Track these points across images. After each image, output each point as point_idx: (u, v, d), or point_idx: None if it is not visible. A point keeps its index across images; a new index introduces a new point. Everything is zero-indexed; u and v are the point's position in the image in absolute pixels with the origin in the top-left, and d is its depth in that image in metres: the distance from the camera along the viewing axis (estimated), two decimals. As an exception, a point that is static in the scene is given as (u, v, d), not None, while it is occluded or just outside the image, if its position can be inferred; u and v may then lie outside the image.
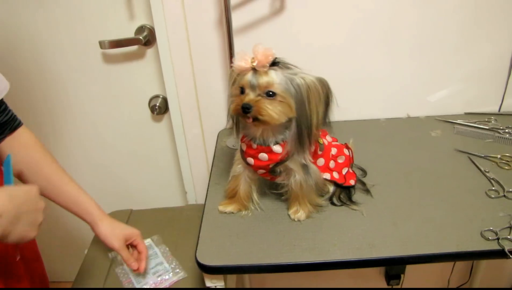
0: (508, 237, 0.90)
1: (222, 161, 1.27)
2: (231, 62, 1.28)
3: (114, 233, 1.06)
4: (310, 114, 0.89)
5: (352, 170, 1.10)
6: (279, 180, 1.01)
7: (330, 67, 1.36)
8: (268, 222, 1.02)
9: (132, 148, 1.59)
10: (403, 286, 1.73)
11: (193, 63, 1.35)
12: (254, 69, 0.87)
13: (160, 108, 1.47)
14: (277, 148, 0.94)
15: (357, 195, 1.08)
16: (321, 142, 1.04)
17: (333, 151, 1.07)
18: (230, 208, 1.06)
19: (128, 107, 1.51)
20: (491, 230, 0.93)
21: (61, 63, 1.44)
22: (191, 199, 1.59)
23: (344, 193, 1.07)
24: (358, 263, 0.90)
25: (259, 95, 0.88)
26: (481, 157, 1.19)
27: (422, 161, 1.20)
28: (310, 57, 1.33)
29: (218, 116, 1.43)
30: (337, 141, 1.12)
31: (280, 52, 1.32)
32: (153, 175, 1.65)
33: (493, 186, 1.08)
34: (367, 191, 1.09)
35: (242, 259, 0.92)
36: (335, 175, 1.04)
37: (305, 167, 0.96)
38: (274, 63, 0.88)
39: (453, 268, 1.71)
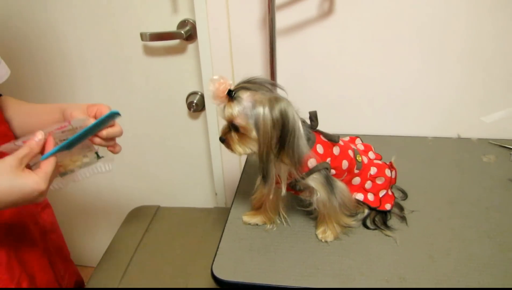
0: None
1: (254, 167, 1.22)
2: (272, 65, 1.23)
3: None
4: (261, 143, 0.82)
5: (391, 192, 1.02)
6: (303, 195, 0.94)
7: (377, 77, 1.27)
8: (293, 240, 0.95)
9: (165, 143, 1.57)
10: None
11: (233, 62, 1.31)
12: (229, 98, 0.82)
13: (197, 105, 1.44)
14: None
15: (393, 220, 0.99)
16: (359, 160, 0.96)
17: (373, 170, 0.99)
18: (255, 219, 1.01)
19: (165, 101, 1.49)
20: (543, 278, 0.82)
21: (102, 53, 1.43)
22: (220, 201, 1.55)
23: (379, 216, 0.98)
24: (384, 298, 0.83)
25: (229, 127, 0.86)
26: (538, 191, 1.08)
27: (470, 188, 1.10)
28: (355, 65, 1.26)
29: (255, 119, 1.37)
30: (380, 159, 1.03)
31: (323, 57, 1.27)
32: (184, 173, 1.62)
33: (549, 226, 0.96)
34: (403, 218, 1.00)
35: (260, 278, 0.86)
36: (370, 197, 0.96)
37: (328, 185, 0.89)
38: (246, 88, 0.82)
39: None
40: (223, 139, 0.87)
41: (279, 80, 1.28)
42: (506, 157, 1.22)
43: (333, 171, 0.91)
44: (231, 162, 1.47)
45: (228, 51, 1.29)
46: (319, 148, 0.89)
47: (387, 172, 1.00)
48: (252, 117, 0.80)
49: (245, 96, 0.81)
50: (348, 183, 0.95)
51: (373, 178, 0.98)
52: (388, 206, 0.97)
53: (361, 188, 0.97)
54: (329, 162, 0.90)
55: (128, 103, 1.51)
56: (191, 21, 1.33)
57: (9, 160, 0.70)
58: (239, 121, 0.82)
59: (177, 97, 1.47)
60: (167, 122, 1.52)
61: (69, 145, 0.77)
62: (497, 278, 0.83)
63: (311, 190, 0.91)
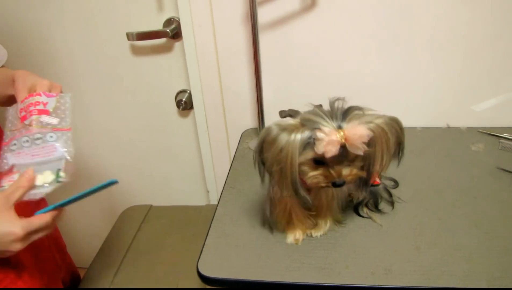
0: (550, 276, 0.79)
1: (242, 164, 1.21)
2: (255, 59, 1.22)
3: None
4: (373, 161, 0.79)
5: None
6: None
7: (364, 69, 1.26)
8: (279, 235, 0.95)
9: (156, 143, 1.56)
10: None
11: (219, 58, 1.30)
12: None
13: (186, 103, 1.43)
14: None
15: (382, 205, 1.00)
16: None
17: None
18: (298, 234, 0.95)
19: (154, 101, 1.48)
20: (530, 266, 0.82)
21: (91, 54, 1.43)
22: (213, 198, 1.55)
23: (372, 201, 0.98)
24: (369, 291, 0.82)
25: (345, 165, 0.78)
26: (527, 178, 1.07)
27: (458, 178, 1.09)
28: (342, 58, 1.25)
29: (243, 115, 1.37)
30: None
31: (310, 51, 1.26)
32: (176, 171, 1.62)
33: (538, 214, 0.95)
34: (392, 203, 1.00)
35: (245, 273, 0.86)
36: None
37: None
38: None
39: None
40: (343, 182, 0.78)
41: (264, 75, 1.28)
42: (495, 145, 1.21)
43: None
44: (222, 160, 1.47)
45: (213, 47, 1.29)
46: None
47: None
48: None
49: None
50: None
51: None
52: (378, 180, 0.98)
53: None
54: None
55: (118, 103, 1.51)
56: (176, 19, 1.33)
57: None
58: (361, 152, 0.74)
59: (166, 96, 1.46)
60: (157, 121, 1.52)
61: (65, 204, 0.79)
62: (483, 266, 0.83)
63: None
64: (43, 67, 1.45)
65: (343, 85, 1.30)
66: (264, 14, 1.20)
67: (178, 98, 1.45)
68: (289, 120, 0.80)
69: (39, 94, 0.85)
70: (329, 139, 0.72)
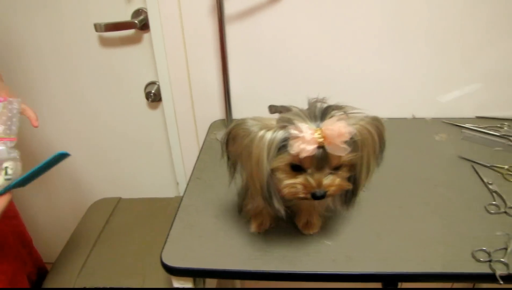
0: (502, 259, 0.81)
1: (209, 155, 1.22)
2: (222, 51, 1.22)
3: None
4: (360, 168, 0.74)
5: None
6: None
7: (331, 60, 1.28)
8: (243, 225, 0.95)
9: (125, 135, 1.55)
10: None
11: (187, 50, 1.30)
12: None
13: (155, 95, 1.43)
14: None
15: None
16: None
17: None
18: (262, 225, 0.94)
19: (123, 92, 1.47)
20: (484, 251, 0.84)
21: (58, 46, 1.40)
22: (182, 190, 1.54)
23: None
24: (329, 277, 0.83)
25: (326, 173, 0.70)
26: (486, 166, 1.09)
27: (420, 167, 1.11)
28: (309, 49, 1.26)
29: (211, 107, 1.37)
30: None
31: (277, 43, 1.26)
32: (146, 164, 1.61)
33: (495, 201, 0.98)
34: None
35: (208, 263, 0.86)
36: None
37: None
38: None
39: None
40: (324, 193, 0.70)
41: (232, 67, 1.28)
42: (457, 135, 1.24)
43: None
44: (191, 151, 1.46)
45: (181, 39, 1.28)
46: None
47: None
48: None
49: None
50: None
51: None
52: None
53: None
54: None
55: (86, 95, 1.49)
56: (144, 10, 1.31)
57: None
58: (346, 157, 0.69)
59: (135, 88, 1.45)
60: (126, 113, 1.51)
61: (21, 183, 0.77)
62: (440, 251, 0.85)
63: None
64: (6, 60, 1.42)
65: (310, 77, 1.31)
66: (232, 6, 1.20)
67: (147, 90, 1.44)
68: (272, 118, 0.73)
69: None
70: (303, 136, 0.65)
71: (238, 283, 1.71)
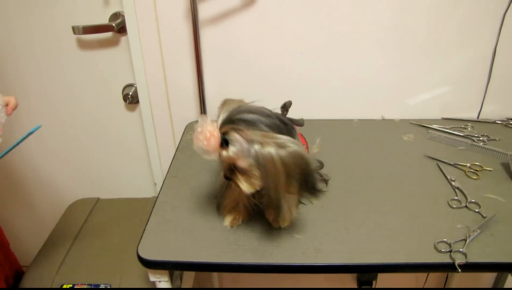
0: (461, 250, 0.86)
1: (185, 154, 1.24)
2: (197, 54, 1.26)
3: None
4: (267, 187, 0.81)
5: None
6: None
7: (304, 63, 1.32)
8: (219, 220, 0.98)
9: (104, 136, 1.57)
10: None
11: (163, 53, 1.33)
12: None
13: (132, 97, 1.45)
14: None
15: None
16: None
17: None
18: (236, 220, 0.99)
19: (101, 94, 1.49)
20: (445, 242, 0.89)
21: (35, 48, 1.41)
22: (160, 191, 1.57)
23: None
24: (299, 269, 0.87)
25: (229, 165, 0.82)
26: (450, 164, 1.15)
27: (388, 165, 1.16)
28: (282, 52, 1.30)
29: (187, 108, 1.41)
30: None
31: (250, 46, 1.30)
32: (124, 165, 1.62)
33: (456, 196, 1.03)
34: (325, 181, 1.06)
35: (183, 256, 0.89)
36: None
37: None
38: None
39: (428, 275, 1.67)
40: (229, 178, 0.84)
41: (206, 69, 1.32)
42: (424, 135, 1.30)
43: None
44: (168, 152, 1.49)
45: (157, 42, 1.31)
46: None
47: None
48: (250, 156, 0.77)
49: (238, 137, 0.78)
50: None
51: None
52: None
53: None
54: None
55: (64, 97, 1.50)
56: (122, 13, 1.34)
57: None
58: (240, 163, 0.79)
59: (113, 90, 1.47)
60: (104, 114, 1.52)
61: None
62: (404, 243, 0.90)
63: None
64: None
65: (281, 80, 1.35)
66: (206, 10, 1.24)
67: (125, 92, 1.46)
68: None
69: None
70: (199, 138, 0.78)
71: (216, 282, 1.73)
